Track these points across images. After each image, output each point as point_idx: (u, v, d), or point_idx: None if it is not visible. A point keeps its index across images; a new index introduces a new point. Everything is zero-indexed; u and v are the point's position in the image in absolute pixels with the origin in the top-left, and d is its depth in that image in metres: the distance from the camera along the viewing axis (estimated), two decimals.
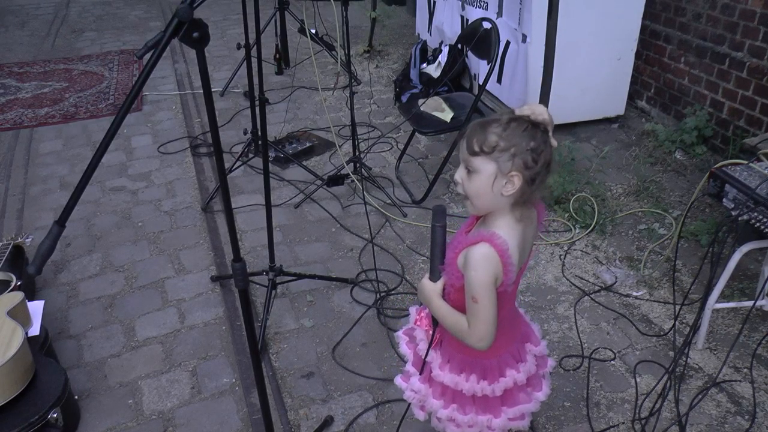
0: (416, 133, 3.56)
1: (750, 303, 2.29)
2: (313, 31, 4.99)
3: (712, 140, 3.59)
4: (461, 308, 1.36)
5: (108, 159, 3.78)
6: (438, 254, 1.37)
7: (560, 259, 2.85)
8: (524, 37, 3.56)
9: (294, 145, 3.82)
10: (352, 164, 3.38)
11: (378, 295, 2.62)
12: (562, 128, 3.87)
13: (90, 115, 4.46)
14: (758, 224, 1.99)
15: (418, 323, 1.55)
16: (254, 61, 2.51)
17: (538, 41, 3.31)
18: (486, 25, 3.23)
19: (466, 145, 1.29)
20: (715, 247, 1.98)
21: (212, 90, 1.75)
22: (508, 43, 3.75)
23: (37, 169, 3.76)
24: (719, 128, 3.54)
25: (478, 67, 4.10)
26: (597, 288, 2.67)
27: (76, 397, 2.12)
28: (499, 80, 3.91)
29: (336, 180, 3.33)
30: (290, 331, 2.47)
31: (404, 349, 1.63)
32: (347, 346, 2.39)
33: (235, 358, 2.35)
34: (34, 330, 2.14)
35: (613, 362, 2.30)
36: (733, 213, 2.07)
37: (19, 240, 2.64)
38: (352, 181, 3.36)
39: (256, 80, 2.52)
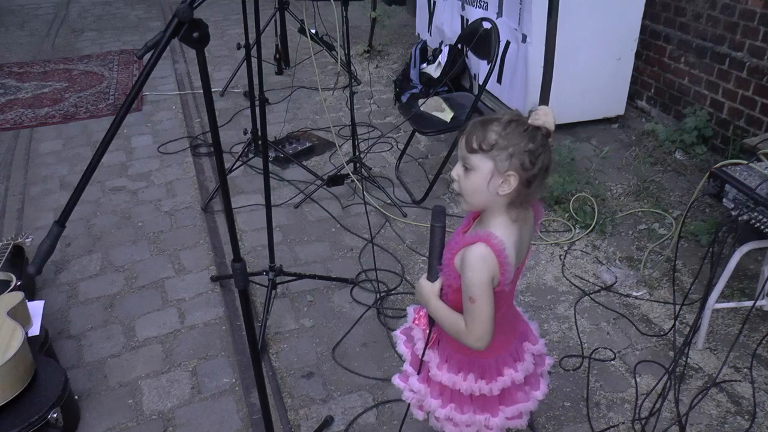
0: (416, 133, 3.56)
1: (750, 303, 2.29)
2: (313, 31, 4.99)
3: (712, 140, 3.59)
4: (459, 308, 1.36)
5: (108, 159, 3.78)
6: (437, 254, 1.38)
7: (560, 259, 2.85)
8: (524, 37, 3.56)
9: (294, 145, 3.82)
10: (352, 164, 3.38)
11: (378, 295, 2.62)
12: (562, 128, 3.87)
13: (90, 115, 4.46)
14: (758, 224, 1.99)
15: (416, 323, 1.55)
16: (254, 61, 2.51)
17: (538, 41, 3.31)
18: (486, 25, 3.23)
19: (465, 141, 1.29)
20: (715, 247, 1.98)
21: (212, 90, 1.75)
22: (508, 43, 3.75)
23: (37, 169, 3.76)
24: (719, 128, 3.54)
25: (478, 67, 4.10)
26: (597, 288, 2.67)
27: (76, 397, 2.12)
28: (499, 80, 3.92)
29: (336, 180, 3.34)
30: (290, 331, 2.47)
31: (402, 348, 1.63)
32: (347, 346, 2.39)
33: (235, 358, 2.35)
34: (34, 330, 2.13)
35: (613, 362, 2.30)
36: (733, 213, 2.06)
37: (19, 240, 2.64)
38: (352, 181, 3.36)
39: (256, 80, 2.52)
